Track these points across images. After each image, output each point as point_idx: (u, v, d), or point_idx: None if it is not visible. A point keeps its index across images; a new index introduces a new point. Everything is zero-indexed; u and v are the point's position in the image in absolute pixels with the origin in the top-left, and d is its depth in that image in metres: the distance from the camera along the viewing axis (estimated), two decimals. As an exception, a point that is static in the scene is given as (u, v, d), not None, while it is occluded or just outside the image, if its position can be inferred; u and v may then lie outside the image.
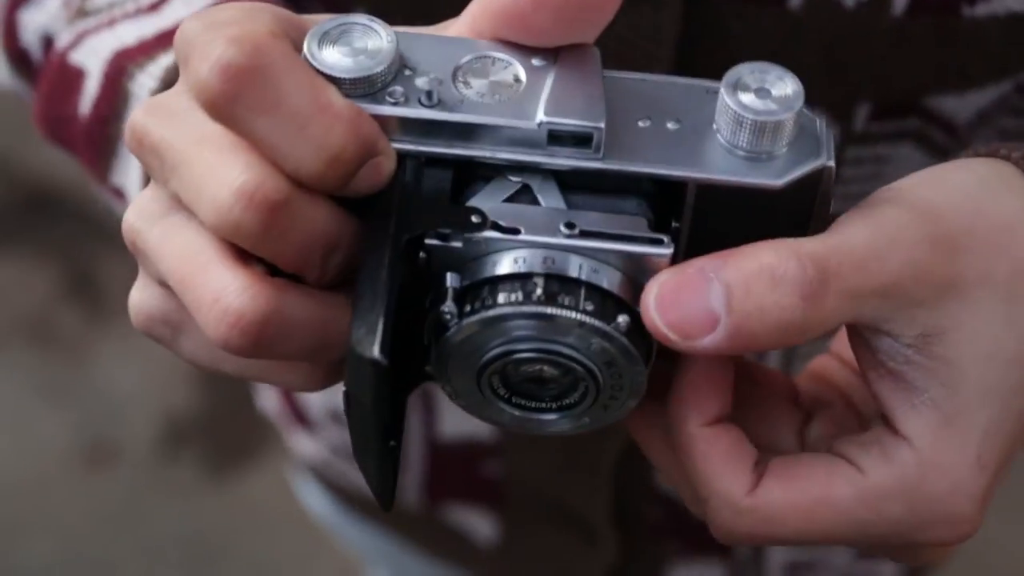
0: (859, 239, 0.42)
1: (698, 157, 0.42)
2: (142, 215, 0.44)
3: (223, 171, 0.40)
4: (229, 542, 1.78)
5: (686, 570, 0.81)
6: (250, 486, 1.82)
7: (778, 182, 0.42)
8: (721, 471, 0.45)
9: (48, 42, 0.59)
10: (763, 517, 0.45)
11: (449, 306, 0.41)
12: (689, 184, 0.42)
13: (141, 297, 0.45)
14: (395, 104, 0.41)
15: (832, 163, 0.42)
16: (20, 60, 0.61)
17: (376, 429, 0.41)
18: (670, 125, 0.43)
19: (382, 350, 0.39)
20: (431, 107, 0.41)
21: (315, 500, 0.97)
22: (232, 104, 0.39)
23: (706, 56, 0.55)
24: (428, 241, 0.42)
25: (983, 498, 0.45)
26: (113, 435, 1.86)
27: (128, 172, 0.56)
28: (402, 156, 0.42)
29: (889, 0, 0.53)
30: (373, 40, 0.42)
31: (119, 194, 0.57)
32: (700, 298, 0.41)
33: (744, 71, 0.42)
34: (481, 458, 0.77)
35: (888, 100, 0.57)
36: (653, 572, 0.81)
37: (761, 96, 0.42)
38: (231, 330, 0.40)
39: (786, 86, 0.42)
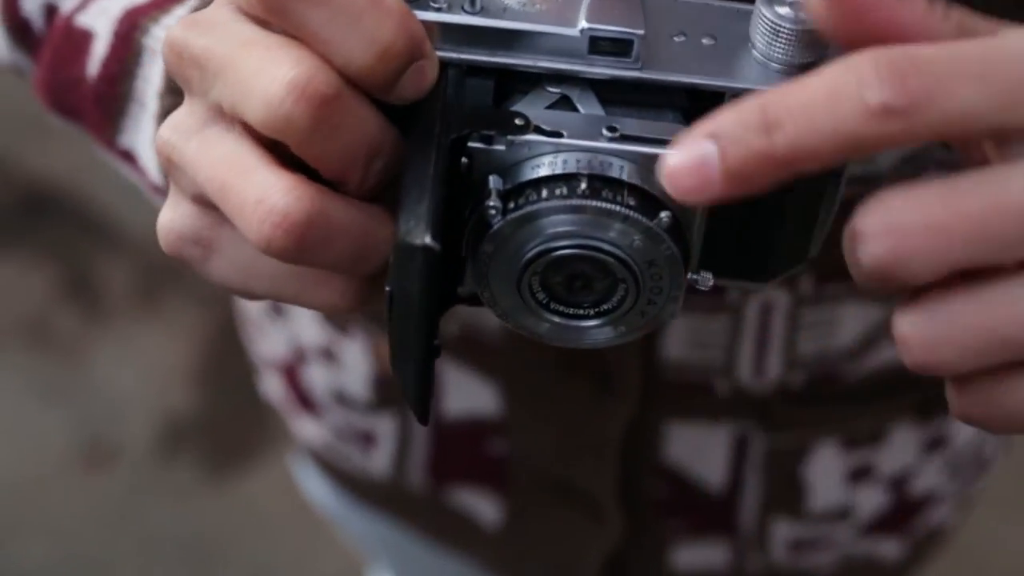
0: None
1: (734, 69, 0.43)
2: (178, 129, 0.44)
3: (273, 67, 0.40)
4: (228, 542, 1.77)
5: (691, 548, 0.81)
6: (249, 486, 1.82)
7: None
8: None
9: (50, 10, 0.59)
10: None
11: (494, 201, 0.42)
12: (727, 95, 0.43)
13: (172, 216, 0.45)
14: (439, 10, 0.42)
15: None
16: (21, 31, 0.61)
17: (421, 324, 0.41)
18: (705, 41, 0.44)
19: (434, 237, 0.39)
20: (474, 14, 0.42)
21: (317, 488, 0.97)
22: None
23: None
24: (471, 144, 0.42)
25: None
26: (111, 435, 1.86)
27: (138, 132, 0.55)
28: (444, 65, 0.43)
29: None
30: None
31: (128, 157, 0.57)
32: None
33: None
34: (486, 436, 0.77)
35: None
36: (658, 550, 0.81)
37: (796, 9, 0.42)
38: (275, 230, 0.40)
39: None
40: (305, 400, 0.85)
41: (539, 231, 0.42)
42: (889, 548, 0.84)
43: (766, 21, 0.42)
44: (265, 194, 0.40)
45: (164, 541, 1.77)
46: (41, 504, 1.79)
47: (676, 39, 0.44)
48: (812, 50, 0.43)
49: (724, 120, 0.38)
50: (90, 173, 2.02)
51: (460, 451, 0.79)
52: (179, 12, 0.54)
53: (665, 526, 0.80)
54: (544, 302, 0.45)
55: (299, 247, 0.41)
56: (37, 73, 0.59)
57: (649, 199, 0.42)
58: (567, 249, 0.42)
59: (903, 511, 0.81)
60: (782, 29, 0.42)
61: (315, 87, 0.40)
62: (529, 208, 0.42)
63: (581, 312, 0.45)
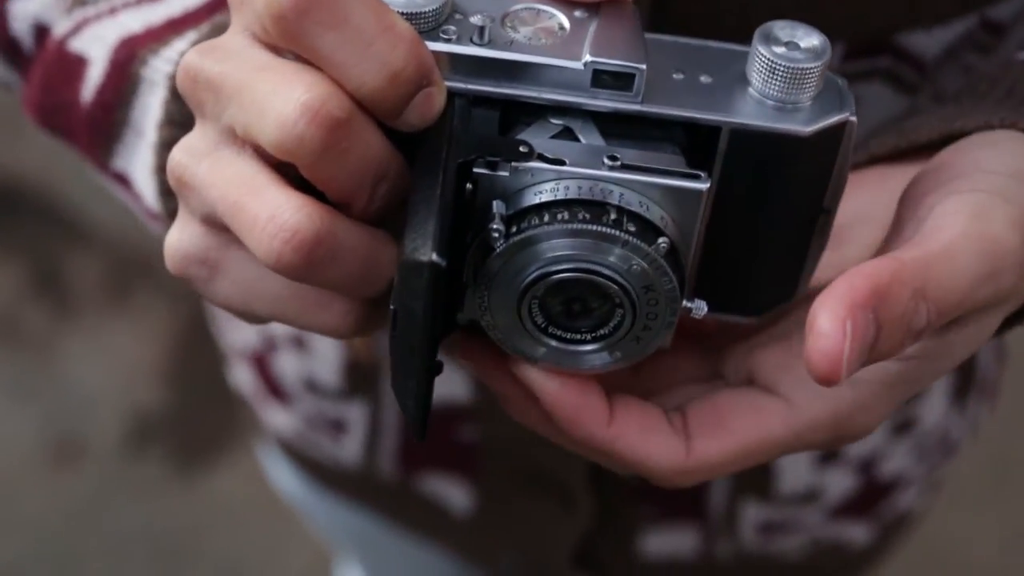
0: (967, 277, 0.44)
1: (730, 105, 0.45)
2: (191, 151, 0.45)
3: (287, 89, 0.41)
4: (197, 539, 1.77)
5: (660, 533, 0.81)
6: (217, 482, 1.81)
7: (806, 129, 0.44)
8: (649, 452, 0.48)
9: (41, 31, 0.60)
10: (705, 470, 0.48)
11: (498, 224, 0.43)
12: (723, 129, 0.44)
13: (180, 237, 0.46)
14: (448, 41, 0.44)
15: (855, 118, 0.45)
16: (10, 49, 0.61)
17: (424, 341, 0.42)
18: (703, 78, 0.45)
19: (440, 254, 0.40)
20: (482, 45, 0.44)
21: (286, 479, 0.97)
22: (302, 18, 0.41)
23: (682, 1, 0.56)
24: (476, 170, 0.43)
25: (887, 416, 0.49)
26: (80, 432, 1.85)
27: (133, 157, 0.56)
28: (452, 94, 0.44)
29: None
30: None
31: (121, 179, 0.58)
32: (865, 341, 0.42)
33: (775, 27, 0.45)
34: (458, 422, 0.77)
35: (861, 39, 0.58)
36: (628, 536, 0.81)
37: (791, 48, 0.44)
38: (284, 246, 0.41)
39: (814, 39, 0.45)
40: (275, 389, 0.86)
41: (540, 254, 0.43)
42: (857, 532, 0.85)
43: (763, 59, 0.44)
44: (276, 211, 0.42)
45: (133, 537, 1.76)
46: (10, 500, 1.79)
47: (675, 76, 0.45)
48: (807, 88, 0.44)
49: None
50: (59, 169, 2.01)
51: (430, 438, 0.79)
52: (178, 44, 0.54)
53: (635, 512, 0.80)
54: (542, 326, 0.46)
55: (307, 264, 0.42)
56: (27, 91, 0.60)
57: (648, 226, 0.43)
58: (567, 272, 0.44)
59: (871, 494, 0.82)
60: (778, 67, 0.44)
61: (328, 110, 0.41)
62: (531, 232, 0.43)
63: (578, 336, 0.46)
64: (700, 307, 0.46)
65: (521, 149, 0.43)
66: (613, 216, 0.43)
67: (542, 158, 0.43)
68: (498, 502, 0.82)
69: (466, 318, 0.46)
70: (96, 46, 0.56)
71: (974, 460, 1.14)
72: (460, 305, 0.46)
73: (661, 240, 0.43)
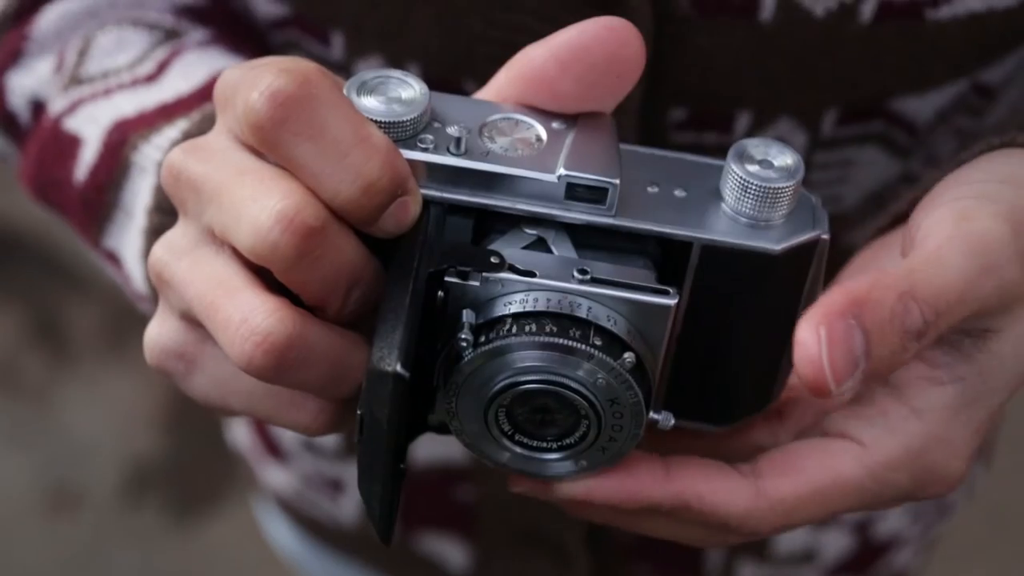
0: (958, 272, 0.44)
1: (703, 221, 0.45)
2: (171, 249, 0.46)
3: (264, 196, 0.42)
4: (193, 588, 1.76)
5: (657, 592, 0.81)
6: (214, 533, 1.81)
7: (776, 247, 0.45)
8: (716, 496, 0.47)
9: (37, 106, 0.61)
10: (781, 512, 0.47)
11: (466, 334, 0.43)
12: (694, 244, 0.45)
13: (159, 331, 0.47)
14: (425, 150, 0.44)
15: (827, 236, 0.46)
16: (6, 122, 0.62)
17: (389, 448, 0.43)
18: (677, 192, 0.46)
19: (404, 365, 0.41)
20: (458, 155, 0.44)
21: (283, 536, 0.97)
22: (279, 128, 0.42)
23: (676, 70, 0.56)
24: (448, 279, 0.44)
25: (972, 456, 0.48)
26: (77, 480, 1.85)
27: (123, 238, 0.57)
28: (427, 202, 0.44)
29: (857, 8, 0.55)
30: (408, 91, 0.45)
31: (112, 258, 0.59)
32: (847, 345, 0.41)
33: (749, 144, 0.45)
34: (455, 482, 0.78)
35: (854, 104, 0.59)
36: (624, 596, 0.81)
37: (765, 167, 0.45)
38: (256, 349, 0.42)
39: (787, 158, 0.45)
40: (274, 448, 0.86)
41: (507, 365, 0.44)
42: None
43: (736, 177, 0.44)
44: (249, 314, 0.42)
45: (129, 586, 1.76)
46: (6, 548, 1.78)
47: (650, 189, 0.46)
48: (779, 207, 0.45)
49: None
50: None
51: (429, 497, 0.80)
52: (170, 132, 0.55)
53: (631, 571, 0.80)
54: (509, 433, 0.46)
55: (278, 367, 0.42)
56: (23, 165, 0.61)
57: (615, 340, 0.44)
58: (533, 384, 0.44)
59: (867, 555, 0.82)
60: (751, 186, 0.44)
61: (302, 219, 0.42)
62: (499, 342, 0.43)
63: (544, 445, 0.46)
64: (667, 419, 0.46)
65: (492, 260, 0.44)
66: (580, 330, 0.43)
67: (513, 269, 0.44)
68: (495, 561, 0.82)
69: (437, 420, 0.47)
70: (90, 127, 0.57)
71: (969, 512, 1.14)
72: (432, 406, 0.47)
73: (627, 355, 0.44)
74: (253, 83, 0.42)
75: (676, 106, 0.59)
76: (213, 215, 0.44)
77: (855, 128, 0.60)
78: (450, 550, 0.83)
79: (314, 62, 0.43)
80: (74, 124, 0.58)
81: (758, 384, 0.49)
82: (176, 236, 0.46)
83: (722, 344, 0.47)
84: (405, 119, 0.44)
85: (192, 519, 1.82)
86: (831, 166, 0.62)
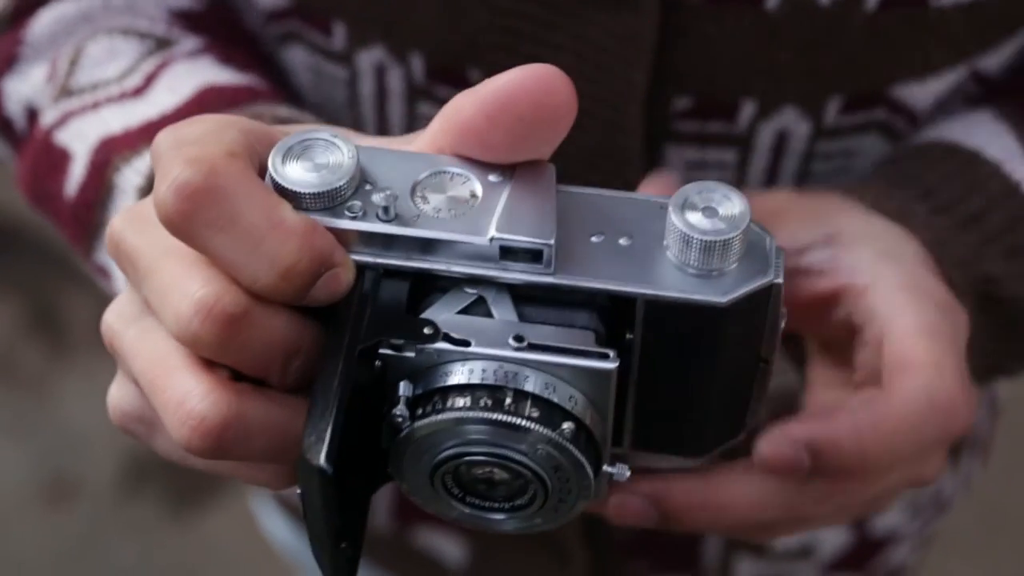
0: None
1: (648, 273, 0.43)
2: (120, 316, 0.45)
3: (184, 283, 0.42)
4: (190, 579, 1.77)
5: (655, 588, 0.81)
6: (211, 524, 1.81)
7: (723, 299, 0.43)
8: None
9: (32, 114, 0.61)
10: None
11: (401, 410, 0.42)
12: (639, 300, 0.43)
13: (119, 395, 0.47)
14: (354, 218, 0.43)
15: (780, 280, 0.44)
16: (4, 127, 0.62)
17: (326, 532, 0.42)
18: (622, 241, 0.44)
19: (328, 459, 0.40)
20: (388, 221, 0.43)
21: (279, 529, 0.97)
22: (188, 222, 0.41)
23: (682, 59, 0.56)
24: (382, 351, 0.43)
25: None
26: (74, 471, 1.85)
27: None
28: (361, 267, 0.43)
29: None
30: (335, 155, 0.43)
31: (103, 272, 0.59)
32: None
33: (691, 191, 0.43)
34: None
35: (857, 93, 0.59)
36: (622, 591, 0.81)
37: (708, 215, 0.43)
38: (193, 433, 0.42)
39: (733, 205, 0.43)
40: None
41: (448, 437, 0.43)
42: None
43: (677, 230, 0.43)
44: (184, 397, 0.42)
45: (126, 578, 1.76)
46: (2, 539, 1.78)
47: (593, 239, 0.44)
48: (727, 257, 0.43)
49: (825, 442, 0.50)
50: (54, 208, 2.01)
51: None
52: (149, 156, 0.55)
53: (630, 567, 0.80)
54: (458, 495, 0.45)
55: (216, 448, 0.42)
56: (19, 170, 0.61)
57: (553, 409, 0.43)
58: (475, 456, 0.43)
59: (864, 550, 0.82)
60: (692, 240, 0.42)
61: (222, 307, 0.41)
62: (436, 417, 0.42)
63: (495, 505, 0.46)
64: (622, 472, 0.45)
65: (426, 331, 0.43)
66: (516, 402, 0.42)
67: (447, 338, 0.43)
68: (492, 556, 0.82)
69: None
70: (78, 143, 0.58)
71: (966, 511, 1.14)
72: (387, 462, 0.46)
73: (566, 425, 0.43)
74: (164, 173, 0.41)
75: (681, 95, 0.58)
76: (147, 292, 0.43)
77: (858, 116, 0.60)
78: (447, 545, 0.83)
79: (223, 146, 0.42)
80: (64, 138, 0.58)
81: (727, 416, 0.49)
82: (123, 303, 0.45)
83: (682, 386, 0.46)
84: (332, 187, 0.42)
85: (189, 510, 1.82)
86: (834, 156, 0.62)
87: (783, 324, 0.46)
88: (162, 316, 0.42)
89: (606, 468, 0.45)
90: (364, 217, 0.43)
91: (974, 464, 0.87)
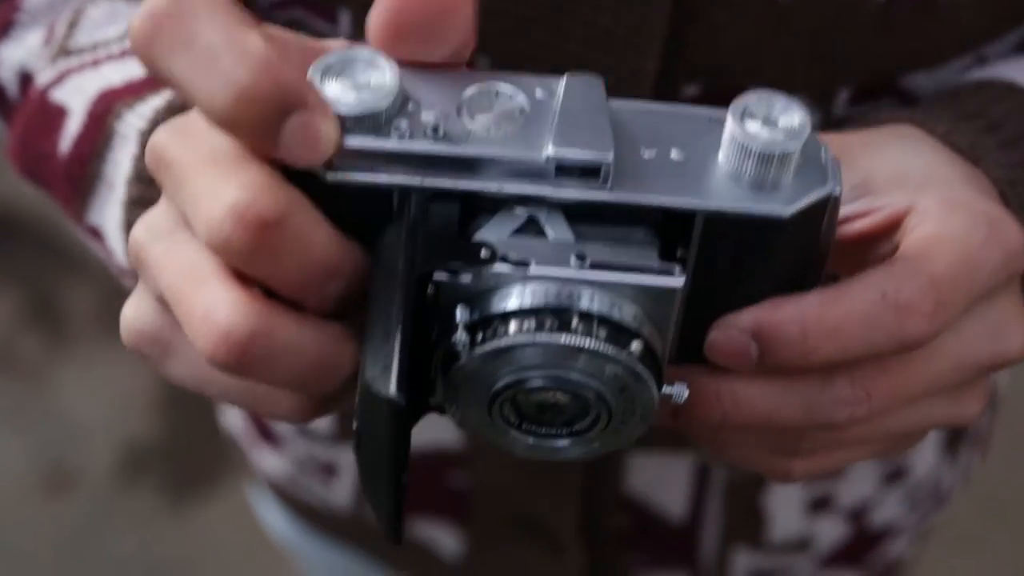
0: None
1: (704, 187, 0.42)
2: (150, 230, 0.44)
3: (219, 188, 0.40)
4: (187, 570, 1.76)
5: (651, 581, 0.81)
6: (210, 514, 1.81)
7: (785, 211, 0.42)
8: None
9: (25, 78, 0.60)
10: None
11: (461, 336, 0.41)
12: (698, 214, 0.42)
13: (135, 313, 0.46)
14: (401, 138, 0.41)
15: (839, 192, 0.43)
16: None
17: (390, 468, 0.41)
18: (674, 155, 0.43)
19: (399, 388, 0.39)
20: (437, 141, 0.41)
21: (277, 521, 0.97)
22: (151, 43, 0.40)
23: (692, 46, 0.56)
24: (437, 277, 0.41)
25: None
26: (72, 461, 1.85)
27: (104, 212, 0.56)
28: (409, 191, 0.42)
29: None
30: (376, 75, 0.42)
31: (95, 233, 0.58)
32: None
33: (750, 100, 0.42)
34: (448, 468, 0.77)
35: (867, 82, 0.59)
36: (618, 583, 0.81)
37: (767, 125, 0.42)
38: (218, 344, 0.40)
39: (792, 116, 0.42)
40: (266, 432, 0.85)
41: (508, 364, 0.42)
42: (850, 580, 0.85)
43: (736, 140, 0.41)
44: (212, 308, 0.41)
45: (124, 567, 1.76)
46: (0, 529, 1.78)
47: (646, 154, 0.42)
48: (785, 169, 0.42)
49: (768, 325, 0.44)
50: (53, 198, 2.01)
51: (422, 483, 0.79)
52: (154, 101, 0.54)
53: (626, 559, 0.80)
54: (516, 424, 0.44)
55: (241, 364, 0.41)
56: (9, 140, 0.60)
57: (619, 329, 0.42)
58: (537, 381, 0.42)
59: (862, 543, 0.82)
60: (752, 150, 0.41)
61: (255, 212, 0.40)
62: (497, 343, 0.41)
63: (554, 432, 0.44)
64: (680, 392, 0.44)
65: (482, 254, 0.41)
66: (583, 323, 0.41)
67: (505, 260, 0.41)
68: (488, 548, 0.82)
69: (437, 402, 0.45)
70: (76, 97, 0.56)
71: (965, 503, 1.14)
72: (433, 389, 0.44)
73: (634, 344, 0.42)
74: (143, 6, 0.41)
75: (690, 82, 0.58)
76: (181, 201, 0.42)
77: (867, 106, 0.60)
78: (443, 536, 0.82)
79: None
80: (61, 95, 0.57)
81: None
82: (157, 216, 0.44)
83: (732, 301, 0.45)
84: (377, 107, 0.41)
85: (188, 501, 1.82)
86: None
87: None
88: (195, 223, 0.41)
89: (665, 388, 0.44)
90: (411, 138, 0.41)
91: (973, 457, 0.87)
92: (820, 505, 0.78)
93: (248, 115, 0.40)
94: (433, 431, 0.75)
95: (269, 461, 0.88)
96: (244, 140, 0.41)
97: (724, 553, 0.79)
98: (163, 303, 0.44)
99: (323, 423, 0.80)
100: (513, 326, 0.41)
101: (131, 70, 0.56)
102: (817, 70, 0.57)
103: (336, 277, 0.42)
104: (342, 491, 0.83)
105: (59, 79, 0.57)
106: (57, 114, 0.57)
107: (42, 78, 0.58)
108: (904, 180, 0.49)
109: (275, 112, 0.40)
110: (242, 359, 0.41)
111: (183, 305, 0.42)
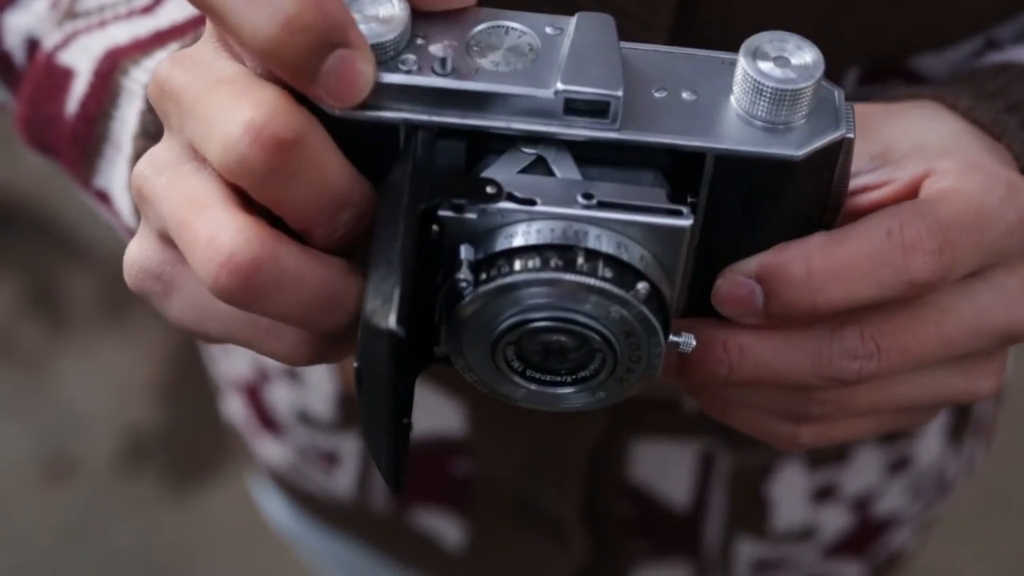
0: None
1: (715, 127, 0.41)
2: (153, 163, 0.43)
3: (236, 106, 0.40)
4: (188, 558, 1.76)
5: (653, 569, 0.81)
6: (210, 502, 1.81)
7: (798, 153, 0.41)
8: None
9: (32, 45, 0.59)
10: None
11: (464, 274, 0.41)
12: (708, 155, 0.41)
13: (138, 250, 0.45)
14: (408, 72, 0.41)
15: (852, 135, 0.42)
16: (2, 64, 0.61)
17: (390, 405, 0.40)
18: (686, 95, 0.42)
19: (399, 321, 0.38)
20: (445, 76, 0.41)
21: (278, 510, 0.96)
22: None
23: (703, 22, 0.55)
24: (442, 213, 0.41)
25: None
26: (73, 449, 1.84)
27: (112, 173, 0.55)
28: (416, 126, 0.41)
29: None
30: (385, 7, 0.41)
31: (103, 197, 0.57)
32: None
33: (763, 39, 0.41)
34: (450, 456, 0.77)
35: (876, 64, 0.58)
36: (621, 572, 0.81)
37: (780, 64, 0.41)
38: (220, 270, 0.40)
39: (805, 55, 0.41)
40: (268, 420, 0.85)
41: (512, 303, 0.41)
42: (851, 571, 0.84)
43: (749, 78, 0.41)
44: (216, 232, 0.40)
45: (124, 555, 1.76)
46: (1, 517, 1.78)
47: (656, 94, 0.42)
48: (798, 108, 0.41)
49: (772, 266, 0.43)
50: (55, 187, 2.00)
51: (424, 472, 0.79)
52: (160, 55, 0.54)
53: (629, 547, 0.80)
54: (519, 370, 0.44)
55: (244, 290, 0.40)
56: (17, 108, 0.59)
57: (626, 269, 0.41)
58: (541, 321, 0.41)
59: (866, 533, 0.82)
60: (765, 88, 0.41)
61: (273, 130, 0.39)
62: (501, 281, 0.41)
63: (558, 379, 0.44)
64: (688, 342, 0.44)
65: (488, 190, 0.41)
66: (588, 262, 0.40)
67: (511, 197, 0.41)
68: (491, 536, 0.82)
69: (444, 351, 0.44)
70: (82, 58, 0.56)
71: (968, 493, 1.14)
72: (437, 339, 0.44)
73: (640, 285, 0.41)
74: None
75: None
76: (192, 128, 0.41)
77: (875, 88, 0.59)
78: (445, 525, 0.82)
79: None
80: (67, 57, 0.56)
81: None
82: (160, 151, 0.44)
83: (743, 248, 0.44)
84: (385, 40, 0.40)
85: (188, 489, 1.82)
86: None
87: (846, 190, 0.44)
88: (208, 144, 0.40)
89: (672, 337, 0.43)
90: (419, 72, 0.41)
91: (977, 448, 0.86)
92: (824, 494, 0.78)
93: (292, 46, 0.39)
94: (434, 419, 0.75)
95: (270, 450, 0.87)
96: (283, 73, 0.40)
97: (728, 542, 0.79)
98: (165, 239, 0.44)
99: (325, 411, 0.79)
100: (518, 264, 0.41)
101: (137, 29, 0.56)
102: (826, 50, 0.57)
103: (347, 207, 0.41)
104: (344, 480, 0.83)
105: (65, 42, 0.57)
106: (64, 76, 0.56)
107: (48, 42, 0.58)
108: (924, 150, 0.49)
109: (319, 44, 0.39)
110: (245, 285, 0.40)
111: (187, 232, 0.41)
